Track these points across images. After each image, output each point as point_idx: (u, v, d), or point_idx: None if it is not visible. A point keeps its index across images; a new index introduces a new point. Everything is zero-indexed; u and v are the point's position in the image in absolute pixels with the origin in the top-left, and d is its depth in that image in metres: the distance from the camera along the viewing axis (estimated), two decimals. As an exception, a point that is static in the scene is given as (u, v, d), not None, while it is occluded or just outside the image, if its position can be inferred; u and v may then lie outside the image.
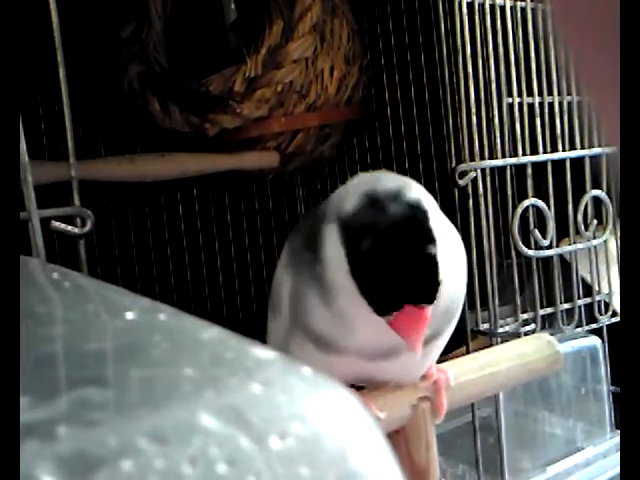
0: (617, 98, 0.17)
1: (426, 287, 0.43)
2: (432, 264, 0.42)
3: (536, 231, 0.76)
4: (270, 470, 0.18)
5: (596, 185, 0.82)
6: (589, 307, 0.83)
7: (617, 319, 0.84)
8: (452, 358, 0.61)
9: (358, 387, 0.55)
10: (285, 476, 0.19)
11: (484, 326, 0.77)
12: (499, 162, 0.76)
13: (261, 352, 0.23)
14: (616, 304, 0.84)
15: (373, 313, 0.44)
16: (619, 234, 0.82)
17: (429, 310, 0.43)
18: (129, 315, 0.27)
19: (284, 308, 0.52)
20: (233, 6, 1.14)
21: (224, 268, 1.16)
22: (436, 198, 0.55)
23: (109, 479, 0.16)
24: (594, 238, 0.82)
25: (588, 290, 0.83)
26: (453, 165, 0.74)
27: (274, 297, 0.54)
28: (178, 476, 0.17)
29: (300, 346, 0.51)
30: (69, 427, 0.18)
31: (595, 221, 0.82)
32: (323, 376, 0.22)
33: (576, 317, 0.81)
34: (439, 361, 0.58)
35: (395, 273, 0.42)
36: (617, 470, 0.79)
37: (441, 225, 0.45)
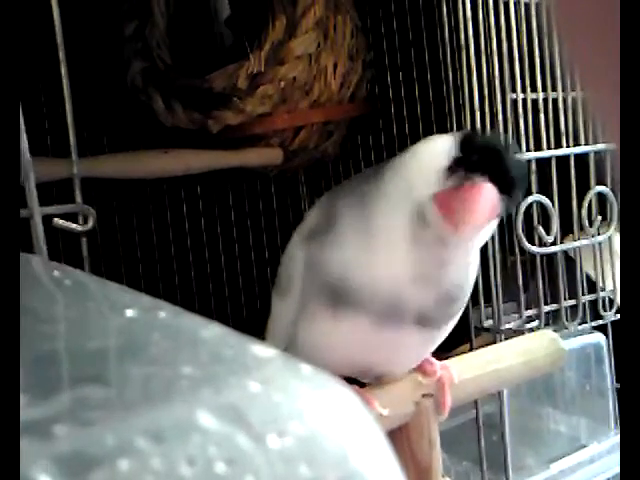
0: (617, 95, 0.17)
1: (505, 168, 0.47)
2: (518, 166, 0.48)
3: (540, 227, 0.76)
4: (269, 469, 0.18)
5: (600, 181, 0.81)
6: (593, 304, 0.83)
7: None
8: (456, 355, 0.61)
9: (361, 384, 0.55)
10: (284, 475, 0.18)
11: (488, 323, 0.77)
12: (503, 158, 0.75)
13: (261, 350, 0.23)
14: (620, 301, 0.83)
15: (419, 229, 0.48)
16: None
17: (494, 196, 0.47)
18: (129, 313, 0.27)
19: (295, 283, 0.52)
20: (227, 2, 1.13)
21: (228, 265, 1.16)
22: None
23: (106, 478, 0.16)
24: (598, 234, 0.81)
25: (592, 287, 0.83)
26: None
27: (283, 278, 0.55)
28: (176, 476, 0.17)
29: (311, 319, 0.52)
30: (67, 426, 0.17)
31: (599, 217, 0.81)
32: (323, 374, 0.22)
33: (580, 314, 0.80)
34: (442, 358, 0.58)
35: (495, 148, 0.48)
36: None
37: None
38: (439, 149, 0.49)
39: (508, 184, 0.47)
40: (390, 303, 0.49)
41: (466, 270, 0.51)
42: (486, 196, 0.46)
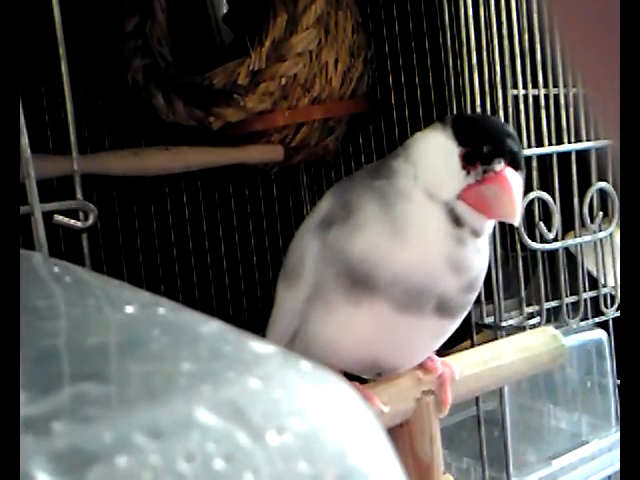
0: (616, 90, 0.17)
1: (518, 151, 0.50)
2: (515, 138, 0.51)
3: (541, 224, 0.76)
4: (268, 466, 0.18)
5: (602, 177, 0.81)
6: (595, 300, 0.83)
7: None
8: (457, 352, 0.61)
9: (362, 381, 0.55)
10: (283, 472, 0.18)
11: (489, 319, 0.77)
12: (504, 155, 0.75)
13: (260, 347, 0.23)
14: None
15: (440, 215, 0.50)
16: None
17: (516, 175, 0.49)
18: (129, 309, 0.27)
19: (307, 271, 0.53)
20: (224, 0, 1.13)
21: (229, 261, 1.16)
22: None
23: (104, 475, 0.16)
24: (600, 231, 0.81)
25: (594, 283, 0.83)
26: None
27: (291, 267, 0.55)
28: (174, 472, 0.17)
29: (325, 307, 0.52)
30: (65, 422, 0.17)
31: (601, 214, 0.81)
32: (322, 371, 0.22)
33: (582, 310, 0.80)
34: (444, 355, 0.58)
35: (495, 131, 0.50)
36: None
37: None
38: (442, 146, 0.50)
39: (518, 159, 0.49)
40: (416, 289, 0.50)
41: (485, 260, 0.52)
42: (513, 179, 0.48)
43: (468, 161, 0.49)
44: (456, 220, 0.50)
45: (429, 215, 0.50)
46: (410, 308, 0.50)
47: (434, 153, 0.51)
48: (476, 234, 0.50)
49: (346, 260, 0.50)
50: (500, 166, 0.49)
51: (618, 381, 0.84)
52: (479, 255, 0.51)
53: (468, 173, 0.49)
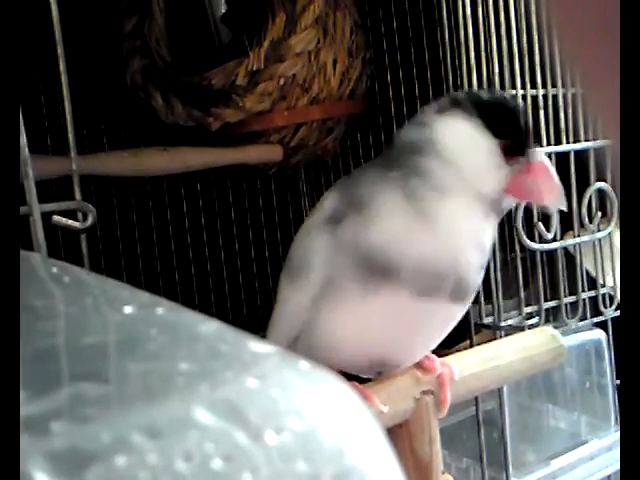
0: (615, 90, 0.17)
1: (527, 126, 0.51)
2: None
3: (540, 224, 0.76)
4: (266, 465, 0.18)
5: (600, 178, 0.81)
6: (594, 300, 0.83)
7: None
8: (456, 352, 0.61)
9: (360, 380, 0.55)
10: (282, 471, 0.18)
11: (488, 319, 0.77)
12: (503, 155, 0.75)
13: (258, 346, 0.23)
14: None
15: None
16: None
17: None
18: (127, 309, 0.27)
19: (316, 267, 0.52)
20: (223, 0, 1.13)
21: (228, 262, 1.16)
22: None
23: (102, 475, 0.16)
24: (598, 231, 0.81)
25: (593, 283, 0.83)
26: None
27: (296, 265, 0.54)
28: (172, 472, 0.17)
29: (338, 301, 0.51)
30: (63, 422, 0.17)
31: (599, 214, 0.81)
32: (321, 370, 0.22)
33: (580, 310, 0.80)
34: (443, 355, 0.58)
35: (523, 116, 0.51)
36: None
37: None
38: (478, 139, 0.50)
39: (535, 137, 0.52)
40: (440, 273, 0.50)
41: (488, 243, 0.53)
42: (549, 165, 0.50)
43: (509, 153, 0.50)
44: (492, 208, 0.51)
45: (464, 206, 0.50)
46: (429, 292, 0.50)
47: (470, 147, 0.50)
48: (500, 214, 0.52)
49: (364, 250, 0.50)
50: (538, 155, 0.50)
51: (617, 381, 0.84)
52: (491, 232, 0.53)
53: (510, 165, 0.50)
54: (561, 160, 0.79)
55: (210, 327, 0.24)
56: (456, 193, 0.50)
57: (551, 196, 0.50)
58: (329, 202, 0.54)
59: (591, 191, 0.80)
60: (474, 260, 0.51)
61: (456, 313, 0.53)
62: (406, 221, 0.50)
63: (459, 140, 0.50)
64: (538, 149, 0.51)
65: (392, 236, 0.50)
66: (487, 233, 0.51)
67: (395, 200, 0.50)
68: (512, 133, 0.50)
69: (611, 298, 0.84)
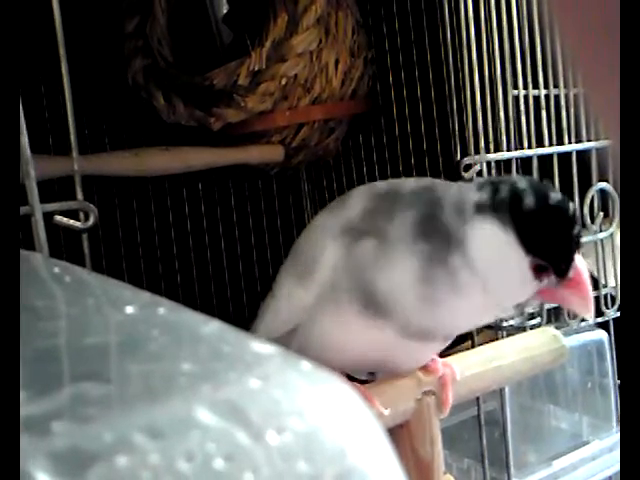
0: (616, 90, 0.17)
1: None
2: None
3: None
4: (268, 465, 0.18)
5: (602, 178, 0.81)
6: (595, 301, 0.83)
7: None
8: (457, 352, 0.61)
9: (362, 381, 0.55)
10: (283, 471, 0.18)
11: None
12: (504, 155, 0.75)
13: (260, 346, 0.23)
14: (623, 298, 0.83)
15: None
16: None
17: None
18: (129, 309, 0.27)
19: (323, 271, 0.52)
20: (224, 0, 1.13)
21: (230, 262, 1.16)
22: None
23: (104, 475, 0.16)
24: (600, 231, 0.81)
25: (594, 284, 0.83)
26: (458, 158, 0.74)
27: (305, 262, 0.54)
28: (174, 472, 0.17)
29: (336, 313, 0.52)
30: (64, 422, 0.17)
31: (601, 214, 0.81)
32: (322, 371, 0.22)
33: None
34: (444, 355, 0.58)
35: (566, 236, 0.47)
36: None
37: None
38: (508, 253, 0.47)
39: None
40: (428, 331, 0.51)
41: None
42: (586, 276, 0.47)
43: (540, 270, 0.47)
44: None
45: (478, 308, 0.50)
46: (416, 338, 0.51)
47: (500, 263, 0.47)
48: (520, 306, 0.52)
49: (368, 281, 0.50)
50: (575, 271, 0.47)
51: (619, 381, 0.84)
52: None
53: (540, 281, 0.47)
54: (563, 160, 0.79)
55: (212, 327, 0.24)
56: (473, 298, 0.48)
57: (583, 310, 0.48)
58: (357, 206, 0.52)
59: (593, 191, 0.80)
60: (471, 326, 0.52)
61: (446, 343, 0.55)
62: (414, 292, 0.49)
63: (489, 253, 0.47)
64: (577, 261, 0.47)
65: (398, 293, 0.49)
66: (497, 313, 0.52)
67: (412, 269, 0.49)
68: (548, 253, 0.46)
69: (613, 298, 0.83)
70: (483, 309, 0.50)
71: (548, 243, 0.46)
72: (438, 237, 0.48)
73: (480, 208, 0.47)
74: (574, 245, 0.47)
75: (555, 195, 0.46)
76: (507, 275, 0.47)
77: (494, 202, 0.47)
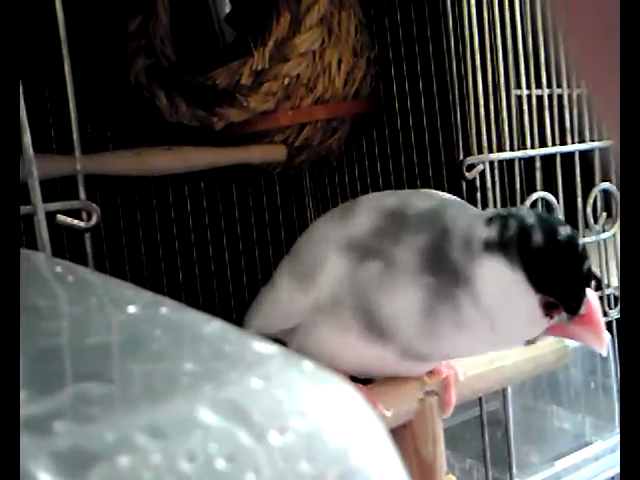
0: (617, 92, 0.17)
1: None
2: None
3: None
4: (270, 466, 0.18)
5: (605, 178, 0.81)
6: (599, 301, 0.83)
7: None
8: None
9: (364, 382, 0.55)
10: (285, 472, 0.18)
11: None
12: (507, 155, 0.75)
13: (262, 346, 0.23)
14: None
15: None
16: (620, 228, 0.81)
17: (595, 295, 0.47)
18: (131, 309, 0.27)
19: (325, 284, 0.51)
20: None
21: (232, 262, 1.16)
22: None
23: (106, 475, 0.16)
24: (603, 231, 0.81)
25: (597, 284, 0.83)
26: (461, 158, 0.74)
27: (307, 268, 0.53)
28: (176, 472, 0.17)
29: (336, 325, 0.51)
30: (66, 422, 0.17)
31: (604, 214, 0.81)
32: (325, 371, 0.22)
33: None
34: (447, 356, 0.58)
35: (576, 275, 0.45)
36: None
37: None
38: (516, 292, 0.45)
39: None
40: (428, 356, 0.52)
41: None
42: (598, 311, 0.46)
43: (550, 307, 0.46)
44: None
45: (483, 344, 0.50)
46: (419, 359, 0.52)
47: (507, 302, 0.46)
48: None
49: (373, 306, 0.49)
50: (586, 307, 0.46)
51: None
52: None
53: (551, 318, 0.46)
54: (566, 160, 0.79)
55: (214, 327, 0.24)
56: (479, 335, 0.48)
57: (597, 345, 0.46)
58: (365, 223, 0.51)
59: (596, 191, 0.80)
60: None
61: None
62: (417, 323, 0.48)
63: (497, 292, 0.46)
64: (589, 295, 0.46)
65: (401, 320, 0.49)
66: None
67: (417, 300, 0.48)
68: (558, 290, 0.45)
69: (616, 299, 0.83)
70: (488, 345, 0.50)
71: (557, 281, 0.45)
72: (445, 272, 0.47)
73: (488, 246, 0.46)
74: (584, 281, 0.45)
75: (564, 230, 0.45)
76: (516, 314, 0.46)
77: (502, 239, 0.45)
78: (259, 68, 0.94)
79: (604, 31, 0.17)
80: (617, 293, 0.83)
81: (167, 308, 0.27)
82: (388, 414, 0.52)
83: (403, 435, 0.54)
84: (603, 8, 0.17)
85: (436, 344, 0.49)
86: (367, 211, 0.52)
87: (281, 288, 0.57)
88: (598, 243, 0.82)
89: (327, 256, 0.52)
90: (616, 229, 0.81)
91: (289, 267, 0.57)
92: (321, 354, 0.53)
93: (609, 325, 0.84)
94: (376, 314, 0.49)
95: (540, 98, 0.77)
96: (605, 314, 0.82)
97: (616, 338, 0.84)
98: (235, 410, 0.19)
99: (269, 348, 0.23)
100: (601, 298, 0.82)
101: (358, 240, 0.51)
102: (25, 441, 0.16)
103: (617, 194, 0.81)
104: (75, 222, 0.57)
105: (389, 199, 0.53)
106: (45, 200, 0.54)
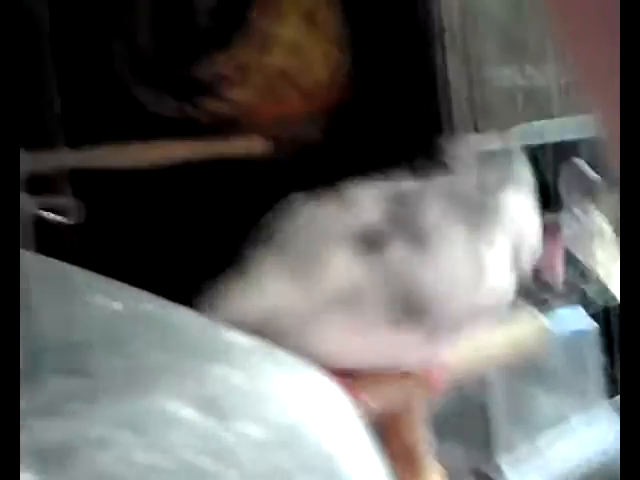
0: (615, 87, 0.17)
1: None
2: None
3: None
4: (250, 459, 0.18)
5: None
6: (584, 290, 0.83)
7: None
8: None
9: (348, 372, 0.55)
10: (265, 464, 0.19)
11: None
12: (485, 139, 0.75)
13: (244, 341, 0.23)
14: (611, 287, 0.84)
15: None
16: (619, 228, 0.82)
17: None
18: (115, 305, 0.27)
19: (328, 283, 0.50)
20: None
21: (220, 256, 1.15)
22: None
23: (87, 470, 0.16)
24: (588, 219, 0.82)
25: (584, 273, 0.84)
26: (440, 141, 0.74)
27: (301, 263, 0.52)
28: (156, 468, 0.17)
29: (348, 324, 0.50)
30: (49, 418, 0.17)
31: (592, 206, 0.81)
32: (302, 364, 0.22)
33: (571, 299, 0.81)
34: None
35: None
36: (606, 443, 0.79)
37: None
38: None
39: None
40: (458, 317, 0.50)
41: None
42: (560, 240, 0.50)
43: None
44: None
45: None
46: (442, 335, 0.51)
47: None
48: None
49: (409, 283, 0.48)
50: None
51: (603, 361, 0.84)
52: None
53: None
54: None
55: (197, 323, 0.25)
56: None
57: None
58: (372, 209, 0.51)
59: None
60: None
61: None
62: (464, 267, 0.48)
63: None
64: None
65: (448, 280, 0.48)
66: None
67: (459, 240, 0.48)
68: None
69: (604, 290, 0.84)
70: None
71: None
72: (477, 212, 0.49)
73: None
74: None
75: None
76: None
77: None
78: (242, 61, 0.94)
79: (602, 24, 0.17)
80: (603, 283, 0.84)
81: (151, 305, 0.27)
82: (373, 404, 0.52)
83: (385, 419, 0.55)
84: (603, 6, 0.17)
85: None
86: (369, 198, 0.51)
87: (266, 281, 0.55)
88: (585, 233, 0.82)
89: (331, 252, 0.50)
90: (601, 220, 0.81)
91: (276, 258, 0.55)
92: (322, 353, 0.50)
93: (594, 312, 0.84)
94: (414, 293, 0.48)
95: (520, 84, 0.77)
96: (591, 302, 0.83)
97: (601, 325, 0.85)
98: (215, 406, 0.19)
99: (250, 343, 0.23)
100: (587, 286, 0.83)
101: (369, 230, 0.49)
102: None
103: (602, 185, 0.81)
104: (60, 218, 0.57)
105: (381, 184, 0.52)
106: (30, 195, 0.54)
